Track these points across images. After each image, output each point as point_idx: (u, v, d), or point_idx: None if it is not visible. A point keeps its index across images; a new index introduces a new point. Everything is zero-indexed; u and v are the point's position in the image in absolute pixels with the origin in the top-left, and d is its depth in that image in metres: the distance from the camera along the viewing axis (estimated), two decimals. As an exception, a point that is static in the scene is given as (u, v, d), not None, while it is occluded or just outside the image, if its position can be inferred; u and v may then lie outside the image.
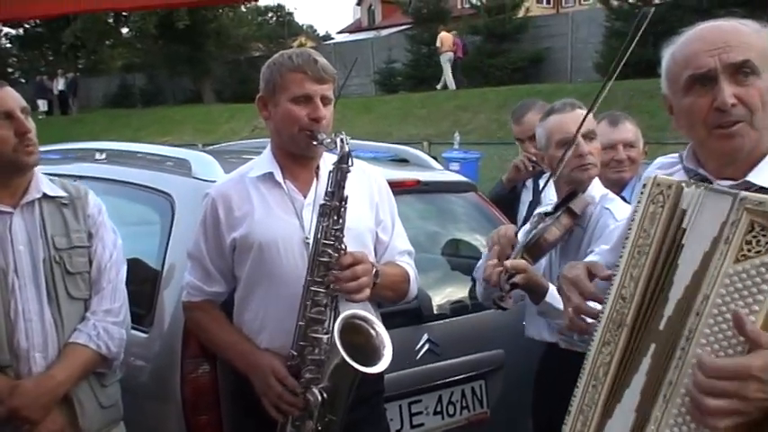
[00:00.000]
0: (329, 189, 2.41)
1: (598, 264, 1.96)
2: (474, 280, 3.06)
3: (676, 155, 1.98)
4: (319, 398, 2.36)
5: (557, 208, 2.84)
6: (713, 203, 1.52)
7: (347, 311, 2.39)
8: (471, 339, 3.38)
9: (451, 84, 26.12)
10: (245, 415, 2.61)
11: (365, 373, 2.32)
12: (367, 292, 2.43)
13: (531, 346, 3.00)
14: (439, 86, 26.37)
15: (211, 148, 5.37)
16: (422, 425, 3.25)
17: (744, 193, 1.46)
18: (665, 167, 1.95)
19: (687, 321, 1.48)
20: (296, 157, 2.58)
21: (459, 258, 3.98)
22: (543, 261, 2.85)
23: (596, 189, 2.88)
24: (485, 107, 23.25)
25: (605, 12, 24.39)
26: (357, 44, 34.16)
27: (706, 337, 1.44)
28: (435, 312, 3.32)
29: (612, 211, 2.75)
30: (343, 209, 2.40)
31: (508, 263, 2.60)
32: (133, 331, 2.88)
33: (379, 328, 2.43)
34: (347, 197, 2.41)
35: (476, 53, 27.84)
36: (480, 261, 2.99)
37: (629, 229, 1.70)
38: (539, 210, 2.98)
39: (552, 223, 2.73)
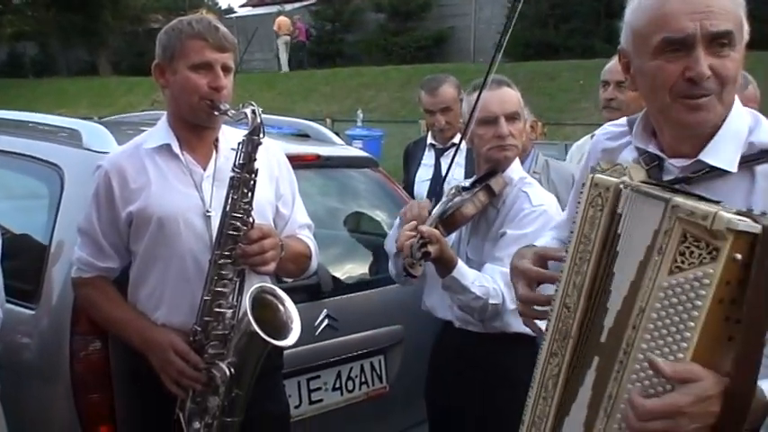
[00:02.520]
0: (239, 161, 2.35)
1: (548, 248, 1.92)
2: (386, 254, 3.03)
3: (624, 120, 1.88)
4: (228, 372, 2.32)
5: (474, 184, 2.83)
6: (646, 209, 1.45)
7: (255, 285, 2.37)
8: (370, 315, 3.39)
9: (285, 66, 27.44)
10: (140, 396, 2.54)
11: (272, 347, 2.30)
12: (273, 265, 2.41)
13: (430, 321, 3.02)
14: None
15: (107, 119, 5.19)
16: (321, 401, 3.24)
17: (676, 200, 1.37)
18: (614, 138, 1.87)
19: (625, 334, 1.43)
20: (194, 127, 2.51)
21: (360, 234, 3.98)
22: (453, 236, 2.84)
23: (515, 171, 2.87)
24: (388, 85, 23.32)
25: (508, -7, 24.76)
26: (260, 18, 33.59)
27: (643, 352, 1.39)
28: (334, 288, 3.30)
29: (530, 195, 2.76)
30: (252, 182, 2.35)
31: (423, 228, 2.57)
32: (19, 308, 2.77)
33: (288, 302, 2.41)
34: (257, 170, 2.36)
35: (379, 31, 27.89)
36: (391, 232, 2.97)
37: (572, 232, 1.64)
38: (455, 184, 2.95)
39: (470, 198, 2.72)
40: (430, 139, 4.42)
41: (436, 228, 2.63)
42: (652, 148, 1.72)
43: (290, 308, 2.41)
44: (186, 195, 2.46)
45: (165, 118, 2.57)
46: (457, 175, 3.59)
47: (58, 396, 2.66)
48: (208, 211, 2.44)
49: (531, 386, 1.71)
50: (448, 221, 2.70)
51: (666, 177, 1.66)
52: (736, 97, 1.68)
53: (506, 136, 2.77)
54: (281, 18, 27.16)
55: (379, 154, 14.58)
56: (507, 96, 2.81)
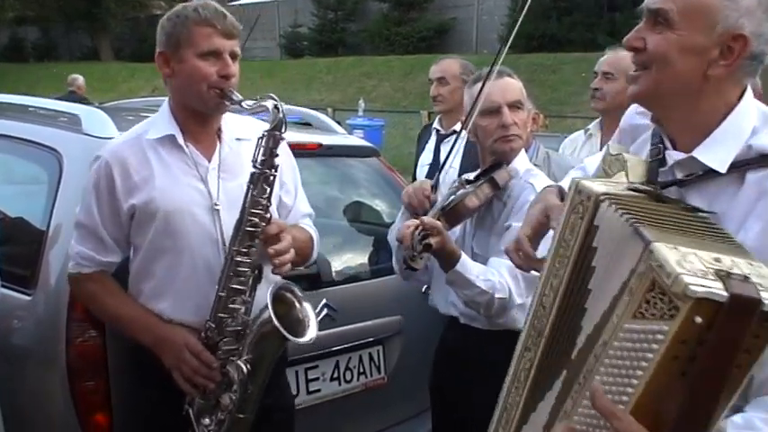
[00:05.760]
0: (261, 157, 2.30)
1: (555, 207, 1.84)
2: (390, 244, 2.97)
3: None
4: (245, 369, 2.30)
5: (478, 177, 2.78)
6: (629, 243, 1.40)
7: (276, 282, 2.35)
8: (369, 305, 3.37)
9: None
10: (142, 385, 2.50)
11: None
12: (290, 266, 2.38)
13: (430, 312, 2.99)
14: None
15: (107, 104, 5.16)
16: (318, 390, 3.23)
17: (654, 245, 1.32)
18: (644, 114, 1.82)
19: (588, 359, 1.43)
20: (198, 117, 2.44)
21: (360, 224, 3.96)
22: (457, 230, 2.79)
23: (520, 162, 2.82)
24: (390, 75, 23.31)
25: (511, -16, 24.71)
26: (263, 6, 33.50)
27: (597, 381, 1.39)
28: (334, 278, 3.29)
29: (536, 187, 2.68)
30: (273, 177, 2.30)
31: (425, 218, 2.52)
32: (15, 293, 2.76)
33: (305, 301, 2.40)
34: (278, 165, 2.32)
35: (382, 21, 27.80)
36: (395, 223, 2.92)
37: (554, 231, 1.64)
38: (460, 177, 2.91)
39: (473, 191, 2.66)
40: (436, 124, 4.46)
41: (438, 220, 2.58)
42: (663, 133, 1.71)
43: (307, 306, 2.40)
44: (193, 189, 2.41)
45: (168, 107, 2.49)
46: (455, 164, 3.57)
47: (54, 383, 2.63)
48: (215, 204, 2.40)
49: (508, 371, 1.74)
50: (450, 214, 2.65)
51: (664, 171, 1.66)
52: (750, 94, 1.64)
53: (510, 125, 2.71)
54: None
55: (381, 143, 14.57)
56: (509, 86, 2.76)
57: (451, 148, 2.92)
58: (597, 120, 4.04)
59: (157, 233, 2.38)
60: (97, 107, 3.91)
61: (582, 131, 4.17)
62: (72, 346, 2.60)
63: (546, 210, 1.83)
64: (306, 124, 4.05)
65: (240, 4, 36.62)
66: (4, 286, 2.72)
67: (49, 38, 38.28)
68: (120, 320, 2.48)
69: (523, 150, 2.87)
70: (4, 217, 3.18)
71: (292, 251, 2.35)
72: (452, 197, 2.71)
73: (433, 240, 2.48)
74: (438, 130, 4.39)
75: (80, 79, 13.15)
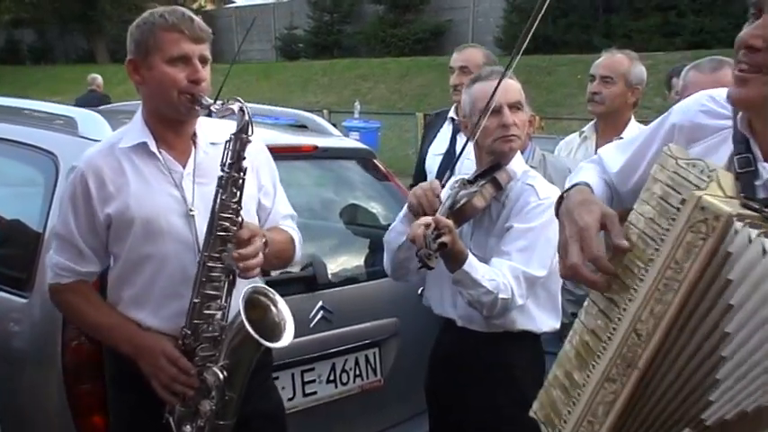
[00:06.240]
0: (228, 160, 2.27)
1: (613, 216, 1.60)
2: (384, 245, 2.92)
3: (725, 96, 1.62)
4: (221, 376, 2.28)
5: (477, 177, 2.76)
6: None
7: (248, 285, 2.32)
8: (365, 307, 3.37)
9: None
10: (130, 392, 2.46)
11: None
12: (258, 270, 2.35)
13: (425, 314, 2.99)
14: None
15: (103, 107, 5.16)
16: (314, 393, 3.22)
17: None
18: (713, 116, 1.66)
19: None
20: (171, 123, 2.42)
21: (356, 226, 3.96)
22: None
23: (517, 164, 2.81)
24: (386, 77, 23.33)
25: (507, -13, 24.75)
26: (258, 9, 33.53)
27: None
28: (330, 280, 3.29)
29: (536, 188, 2.69)
30: (241, 180, 2.28)
31: (439, 217, 2.48)
32: (12, 296, 2.75)
33: (280, 302, 2.37)
34: (246, 168, 2.29)
35: (378, 23, 27.85)
36: (394, 224, 2.87)
37: (657, 249, 1.42)
38: (458, 176, 2.87)
39: (478, 191, 2.64)
40: (452, 113, 4.25)
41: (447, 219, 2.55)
42: (753, 144, 1.54)
43: (283, 308, 2.36)
44: (167, 195, 2.38)
45: (140, 115, 2.47)
46: (472, 155, 3.51)
47: (50, 386, 2.63)
48: (190, 210, 2.38)
49: (568, 403, 1.55)
50: (458, 213, 2.62)
51: (758, 183, 1.50)
52: None
53: (510, 125, 2.70)
54: None
55: (377, 145, 14.58)
56: (510, 86, 2.74)
57: (468, 140, 2.84)
58: (592, 122, 4.04)
59: (134, 241, 2.36)
60: (93, 110, 3.92)
61: (577, 134, 4.18)
62: (68, 348, 2.60)
63: (603, 217, 1.60)
64: (302, 126, 4.05)
65: (236, 7, 36.65)
66: (0, 289, 2.72)
67: (45, 40, 38.30)
68: (100, 329, 2.46)
69: (519, 152, 2.86)
70: (0, 220, 3.18)
71: (260, 256, 2.31)
72: (460, 194, 2.68)
73: (446, 239, 2.45)
74: (454, 120, 4.17)
75: (99, 78, 13.70)
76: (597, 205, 1.63)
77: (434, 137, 4.30)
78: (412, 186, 3.19)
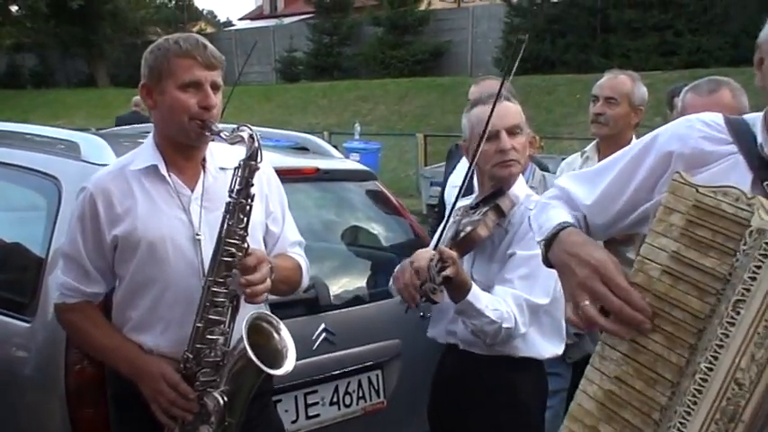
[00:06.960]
0: (236, 186, 2.28)
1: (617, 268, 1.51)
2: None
3: (721, 122, 1.60)
4: (221, 401, 2.27)
5: (479, 203, 2.74)
6: None
7: (251, 312, 2.32)
8: (368, 329, 3.37)
9: None
10: (124, 410, 2.49)
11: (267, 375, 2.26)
12: (265, 296, 2.35)
13: (428, 336, 3.00)
14: None
15: (105, 131, 5.17)
16: (318, 415, 3.21)
17: None
18: (713, 141, 1.60)
19: None
20: (182, 148, 2.44)
21: (358, 247, 3.96)
22: None
23: (519, 188, 2.79)
24: (386, 98, 23.40)
25: (505, 8, 24.92)
26: (258, 31, 33.77)
27: None
28: (332, 302, 3.28)
29: None
30: (249, 207, 2.29)
31: (443, 248, 2.48)
32: (15, 321, 2.75)
33: (283, 330, 2.37)
34: (254, 195, 2.31)
35: (377, 44, 27.97)
36: (397, 269, 2.76)
37: (747, 290, 1.31)
38: (460, 203, 2.87)
39: (481, 219, 2.63)
40: None
41: (451, 250, 2.54)
42: None
43: (285, 335, 2.36)
44: (174, 218, 2.39)
45: (152, 138, 2.49)
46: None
47: (53, 410, 2.63)
48: (197, 234, 2.39)
49: None
50: (463, 243, 2.61)
51: None
52: None
53: (509, 150, 2.68)
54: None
55: (377, 167, 14.59)
56: (508, 110, 2.74)
57: (464, 180, 2.82)
58: (594, 142, 4.04)
59: (140, 263, 2.37)
60: (95, 134, 3.94)
61: (578, 154, 4.18)
62: (71, 373, 2.60)
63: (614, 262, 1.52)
64: (302, 149, 4.07)
65: (236, 29, 36.83)
66: (2, 314, 2.72)
67: (46, 64, 38.41)
68: (102, 351, 2.47)
69: (521, 176, 2.84)
70: (2, 244, 3.19)
71: (268, 282, 2.32)
72: (463, 222, 2.67)
73: (450, 272, 2.44)
74: None
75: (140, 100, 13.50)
76: (603, 249, 1.56)
77: (453, 168, 4.29)
78: (437, 212, 3.11)
